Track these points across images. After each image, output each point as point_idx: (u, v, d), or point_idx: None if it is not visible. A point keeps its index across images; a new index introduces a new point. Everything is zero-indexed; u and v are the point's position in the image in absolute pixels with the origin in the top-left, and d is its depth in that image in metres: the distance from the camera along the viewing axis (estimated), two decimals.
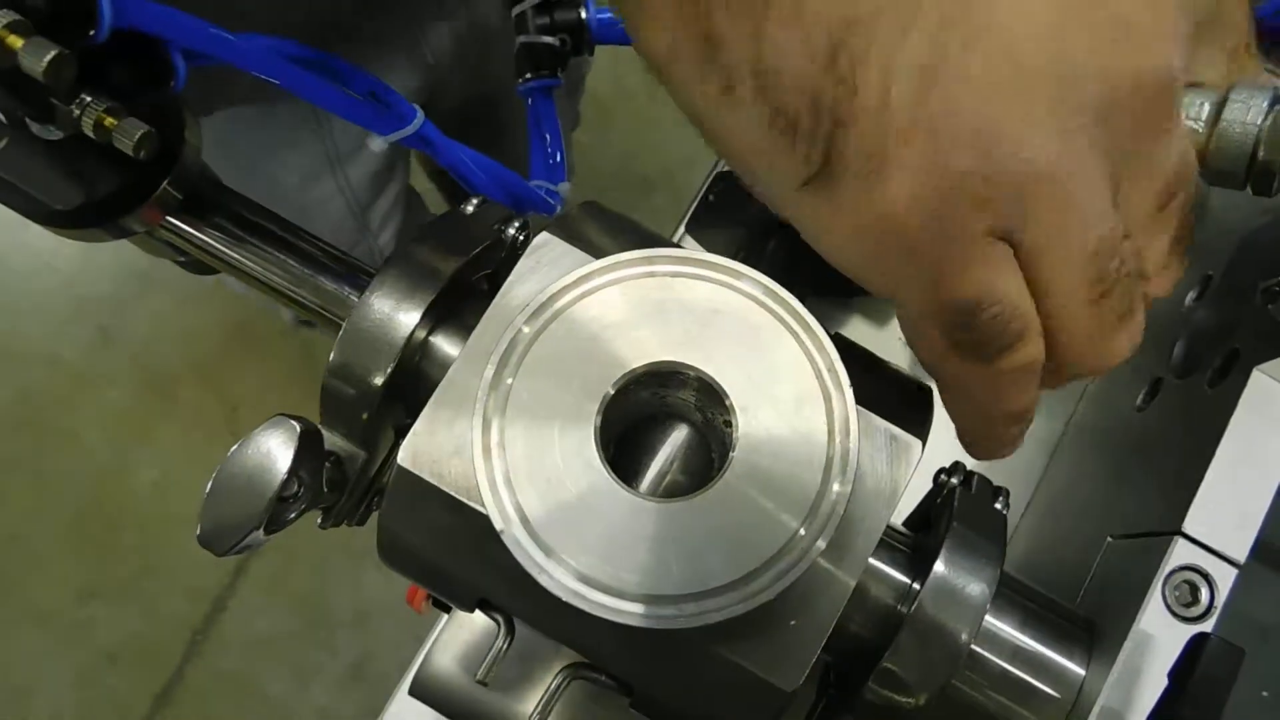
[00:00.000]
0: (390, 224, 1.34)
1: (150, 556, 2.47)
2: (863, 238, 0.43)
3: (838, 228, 0.44)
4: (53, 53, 0.41)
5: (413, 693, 0.61)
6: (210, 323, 2.60)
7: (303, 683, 2.42)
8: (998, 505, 0.58)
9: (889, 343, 0.84)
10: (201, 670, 2.42)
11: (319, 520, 0.56)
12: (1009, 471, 0.85)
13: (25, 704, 2.40)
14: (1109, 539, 0.60)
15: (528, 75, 0.81)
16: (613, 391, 0.45)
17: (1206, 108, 0.44)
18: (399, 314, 0.53)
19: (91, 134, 0.45)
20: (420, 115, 0.60)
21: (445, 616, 0.86)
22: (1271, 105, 0.43)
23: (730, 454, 0.44)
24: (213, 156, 0.73)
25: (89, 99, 0.44)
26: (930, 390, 0.54)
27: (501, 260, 0.60)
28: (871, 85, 0.40)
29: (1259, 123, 0.42)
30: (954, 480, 0.59)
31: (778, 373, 0.45)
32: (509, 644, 0.51)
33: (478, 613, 0.51)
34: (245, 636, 2.45)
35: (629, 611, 0.42)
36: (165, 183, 0.54)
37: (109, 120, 0.45)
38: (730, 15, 0.41)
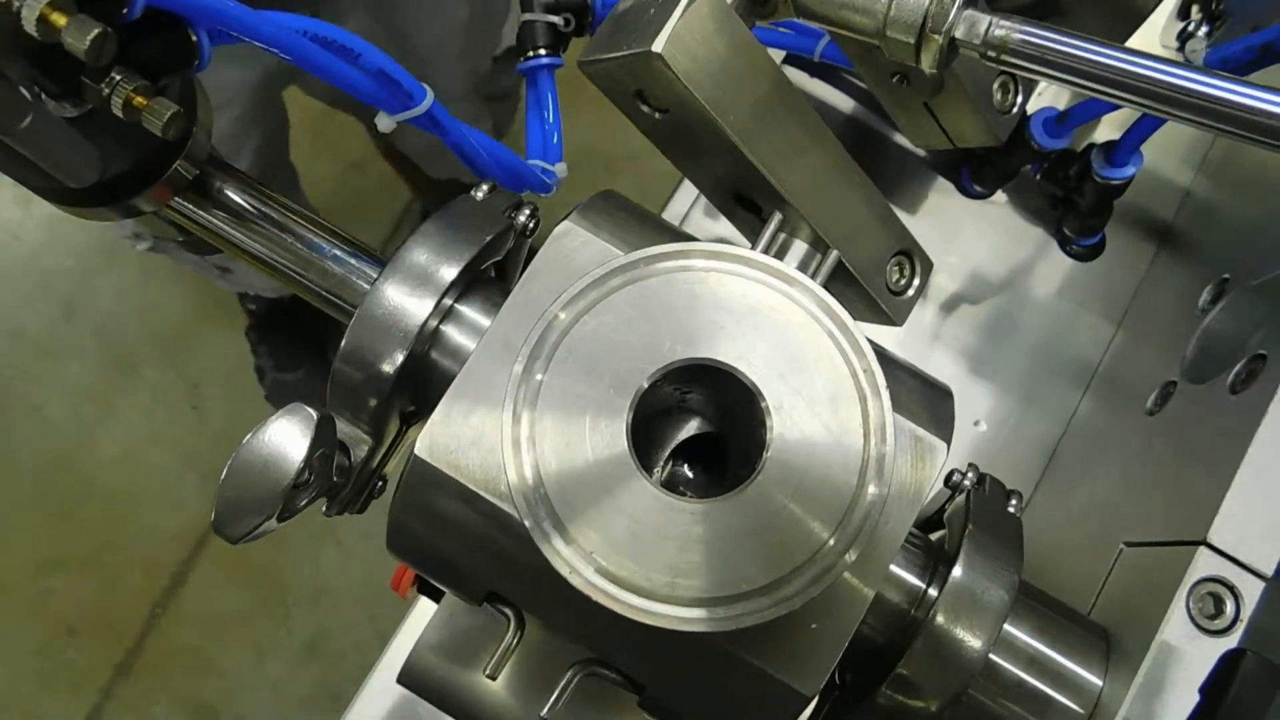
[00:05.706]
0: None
1: (111, 530, 2.45)
2: None
3: None
4: (96, 30, 0.39)
5: (401, 681, 0.60)
6: (174, 298, 2.57)
7: (259, 657, 2.40)
8: (1010, 509, 0.58)
9: (895, 336, 0.83)
10: (161, 643, 2.41)
11: (324, 508, 0.55)
12: (1005, 471, 0.85)
13: None
14: (1123, 546, 0.59)
15: (529, 53, 0.80)
16: (646, 386, 0.44)
17: None
18: (412, 302, 0.52)
19: (120, 113, 0.43)
20: (430, 95, 0.59)
21: (419, 602, 0.85)
22: None
23: (765, 454, 0.43)
24: None
25: (119, 78, 0.43)
26: (951, 392, 0.53)
27: (511, 248, 0.59)
28: None
29: (926, 3, 0.51)
30: (967, 481, 0.58)
31: (813, 373, 0.44)
32: (518, 639, 0.50)
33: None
34: (204, 611, 2.43)
35: (659, 613, 0.41)
36: (177, 162, 0.53)
37: (139, 100, 0.43)
38: None
